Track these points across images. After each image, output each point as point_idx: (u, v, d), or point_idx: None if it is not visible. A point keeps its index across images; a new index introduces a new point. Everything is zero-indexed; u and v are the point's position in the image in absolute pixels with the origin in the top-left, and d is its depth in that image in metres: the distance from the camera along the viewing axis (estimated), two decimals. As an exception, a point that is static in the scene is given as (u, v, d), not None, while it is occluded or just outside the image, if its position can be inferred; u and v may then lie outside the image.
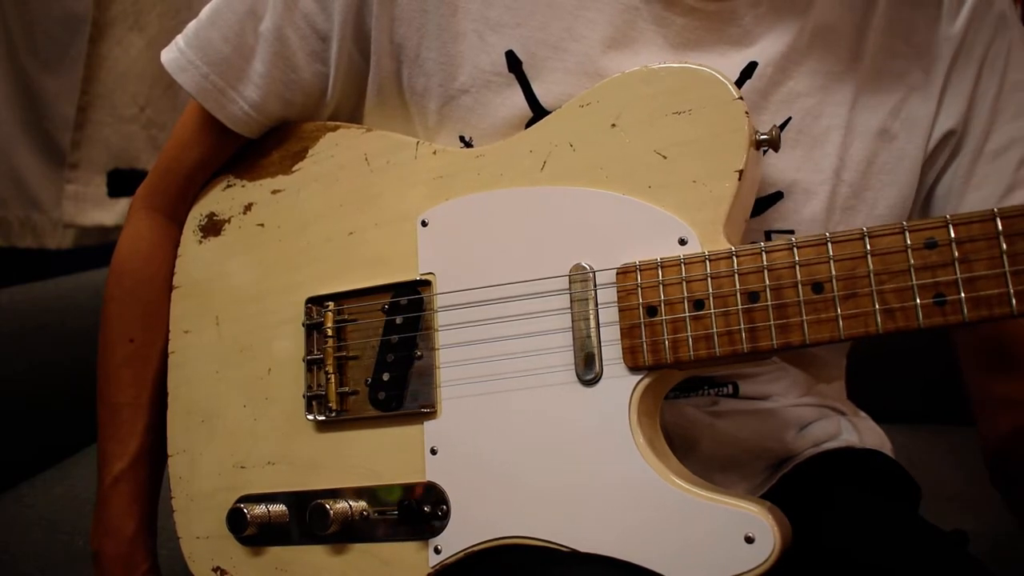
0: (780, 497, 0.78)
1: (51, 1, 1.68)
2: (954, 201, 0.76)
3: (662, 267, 0.63)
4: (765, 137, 0.65)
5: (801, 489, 0.78)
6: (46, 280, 1.41)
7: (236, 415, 0.78)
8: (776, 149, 0.67)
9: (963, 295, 0.56)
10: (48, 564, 1.04)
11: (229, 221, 0.82)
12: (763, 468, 0.81)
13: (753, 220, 0.74)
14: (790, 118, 0.74)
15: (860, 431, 0.84)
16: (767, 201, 0.74)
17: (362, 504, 0.71)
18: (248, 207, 0.81)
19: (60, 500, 1.16)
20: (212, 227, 0.83)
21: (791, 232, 0.73)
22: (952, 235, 0.57)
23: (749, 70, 0.73)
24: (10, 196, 1.72)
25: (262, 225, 0.80)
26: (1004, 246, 0.55)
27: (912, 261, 0.57)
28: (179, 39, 0.80)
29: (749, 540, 0.59)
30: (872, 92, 0.74)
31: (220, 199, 0.83)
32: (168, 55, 0.80)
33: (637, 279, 0.64)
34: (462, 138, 0.76)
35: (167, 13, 1.73)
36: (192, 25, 0.80)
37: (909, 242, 0.57)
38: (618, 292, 0.64)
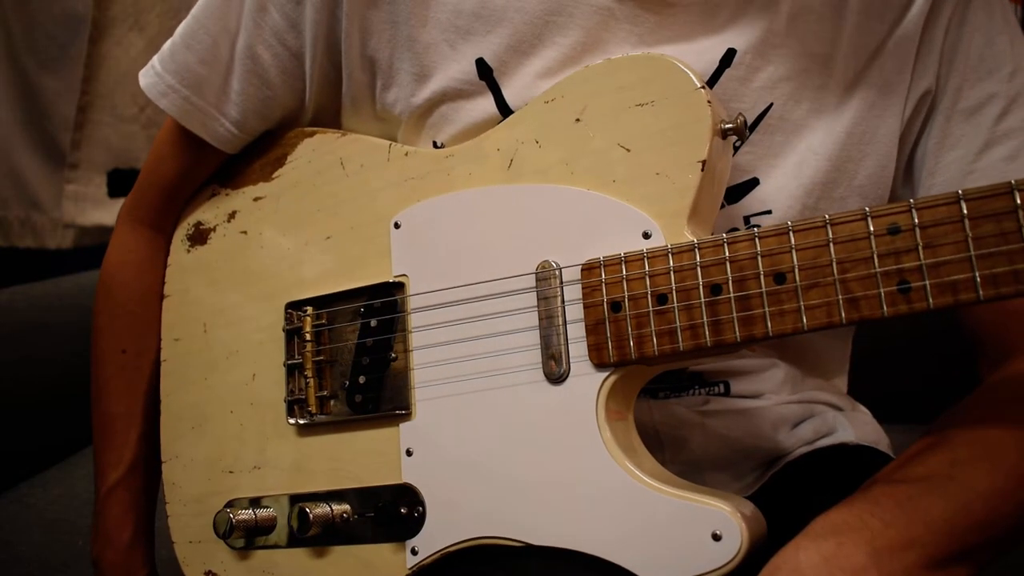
0: (771, 495, 0.77)
1: (51, 1, 1.67)
2: (930, 163, 0.74)
3: (625, 262, 0.62)
4: (730, 126, 0.64)
5: (792, 487, 0.76)
6: (46, 280, 1.41)
7: (223, 421, 0.79)
8: (743, 138, 0.65)
9: (928, 282, 0.54)
10: (48, 564, 1.05)
11: (214, 230, 0.83)
12: (754, 467, 0.79)
13: (732, 207, 0.72)
14: (771, 104, 0.72)
15: (856, 426, 0.82)
16: (744, 188, 0.72)
17: (343, 507, 0.71)
18: (232, 215, 0.82)
19: (60, 500, 1.17)
20: (199, 236, 0.84)
21: (769, 212, 0.72)
22: (916, 220, 0.55)
23: (728, 57, 0.71)
24: (10, 196, 1.71)
25: (245, 232, 0.81)
26: (969, 230, 0.53)
27: (875, 248, 0.55)
28: (155, 62, 0.80)
29: (716, 538, 0.57)
30: (852, 70, 0.72)
31: (206, 208, 0.84)
32: (146, 79, 0.80)
33: (601, 275, 0.63)
34: (435, 144, 0.75)
35: (167, 13, 1.72)
36: (167, 47, 0.80)
37: (872, 229, 0.56)
38: (583, 288, 0.64)
